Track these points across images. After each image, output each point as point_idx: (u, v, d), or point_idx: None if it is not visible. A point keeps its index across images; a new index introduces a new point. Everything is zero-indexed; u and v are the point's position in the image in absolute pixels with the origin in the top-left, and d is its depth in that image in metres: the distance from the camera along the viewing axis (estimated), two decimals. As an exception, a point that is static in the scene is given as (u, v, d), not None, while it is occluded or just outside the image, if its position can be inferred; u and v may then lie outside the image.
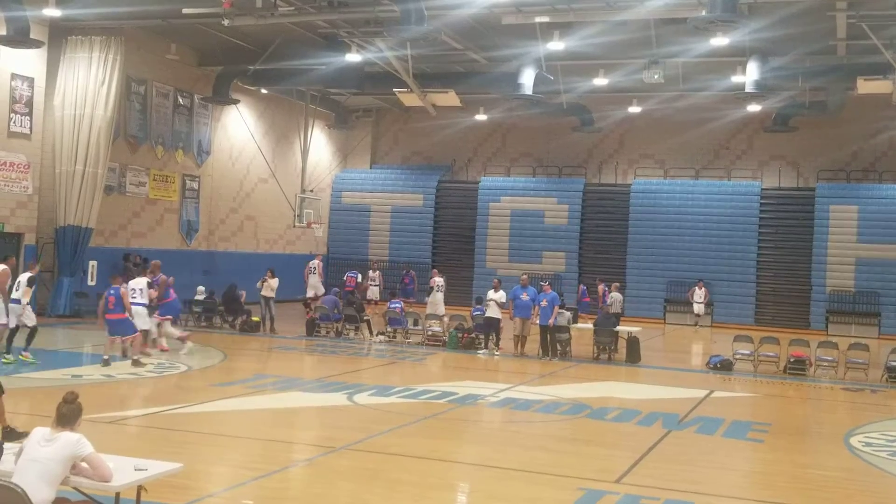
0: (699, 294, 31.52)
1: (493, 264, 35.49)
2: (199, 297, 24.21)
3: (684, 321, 32.81)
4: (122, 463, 6.38)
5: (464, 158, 38.54)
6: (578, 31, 23.60)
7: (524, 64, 26.66)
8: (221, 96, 29.64)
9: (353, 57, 26.06)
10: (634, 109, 32.92)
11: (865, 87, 25.58)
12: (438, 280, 25.99)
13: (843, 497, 9.52)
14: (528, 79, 26.64)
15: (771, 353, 20.11)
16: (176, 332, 18.70)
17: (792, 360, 19.50)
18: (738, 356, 20.16)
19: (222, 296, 24.32)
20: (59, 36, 24.20)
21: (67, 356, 17.50)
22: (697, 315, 31.69)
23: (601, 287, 27.28)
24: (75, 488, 6.20)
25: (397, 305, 23.40)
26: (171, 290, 18.85)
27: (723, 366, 19.72)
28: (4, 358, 15.38)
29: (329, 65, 27.00)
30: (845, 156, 33.52)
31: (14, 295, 15.65)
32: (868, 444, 12.35)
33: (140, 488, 6.39)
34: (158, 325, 18.25)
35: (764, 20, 21.93)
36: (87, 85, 24.11)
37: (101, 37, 24.28)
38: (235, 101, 30.56)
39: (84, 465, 6.03)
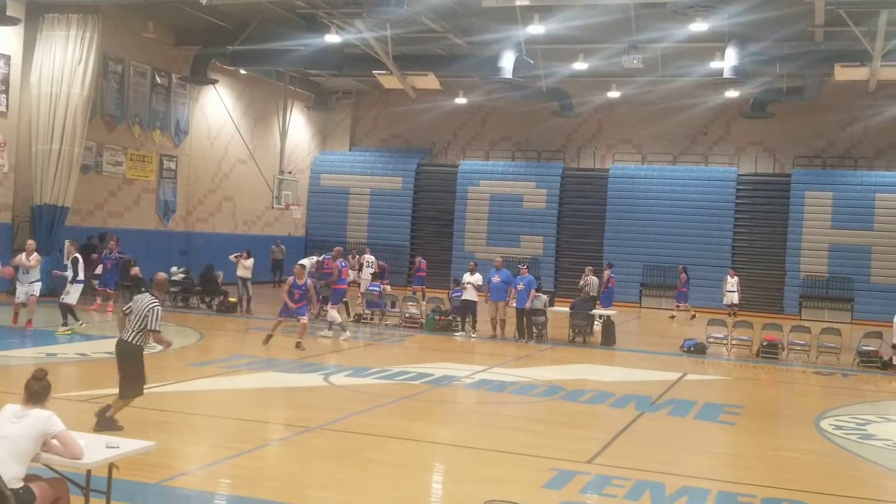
0: (731, 283, 29.10)
1: (472, 248, 35.56)
2: (176, 278, 24.09)
3: (660, 305, 33.04)
4: (93, 441, 6.39)
5: (443, 142, 38.51)
6: (558, 15, 23.62)
7: (504, 48, 26.66)
8: (199, 76, 29.46)
9: (332, 38, 25.94)
10: (613, 94, 32.99)
11: (843, 73, 25.76)
12: (369, 257, 27.09)
13: (814, 479, 9.64)
14: (507, 62, 26.65)
15: (744, 337, 20.32)
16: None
17: (765, 343, 19.71)
18: (711, 340, 20.36)
19: (199, 276, 24.24)
20: (36, 13, 23.92)
21: (43, 335, 17.39)
22: (730, 305, 29.02)
23: (607, 272, 26.85)
24: (46, 465, 6.20)
25: (375, 288, 23.41)
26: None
27: (696, 349, 19.90)
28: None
29: (308, 46, 26.83)
30: (821, 142, 33.78)
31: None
32: (838, 427, 12.52)
33: (111, 466, 6.40)
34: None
35: (742, 5, 22.00)
36: (63, 63, 23.85)
37: (77, 15, 24.01)
38: (213, 81, 30.37)
39: (55, 442, 6.03)
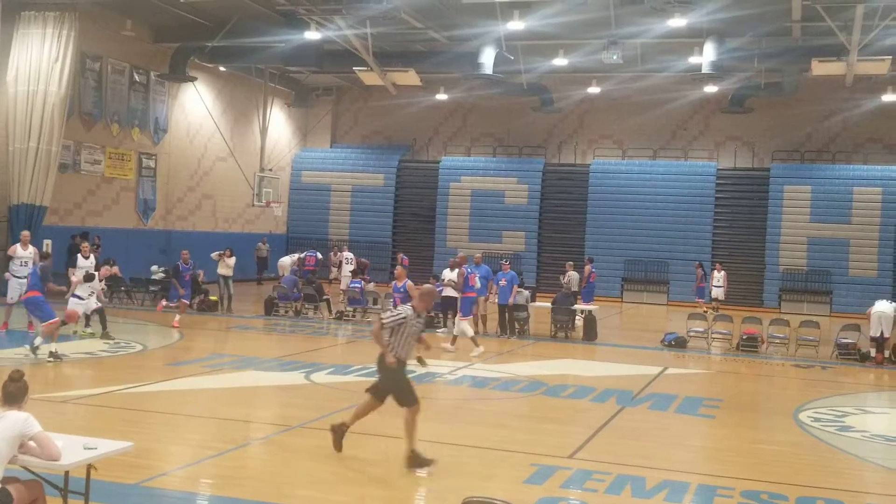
0: (718, 277, 28.61)
1: (454, 244, 35.55)
2: (156, 277, 23.99)
3: (641, 300, 33.18)
4: (71, 442, 6.35)
5: (424, 138, 38.49)
6: (538, 11, 23.65)
7: (484, 43, 26.67)
8: (178, 73, 29.30)
9: (312, 35, 25.85)
10: (594, 90, 33.08)
11: (820, 68, 25.91)
12: (348, 254, 27.49)
13: (792, 471, 9.71)
14: (488, 58, 26.67)
15: (724, 331, 20.45)
16: None
17: (744, 337, 19.84)
18: (691, 333, 20.46)
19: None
20: (12, 11, 23.67)
21: (21, 335, 17.26)
22: (714, 299, 28.65)
23: (588, 267, 26.79)
24: (23, 467, 6.16)
25: (357, 285, 23.38)
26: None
27: (677, 343, 20.01)
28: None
29: (288, 42, 26.78)
30: (799, 137, 34.01)
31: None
32: (817, 420, 12.62)
33: (90, 467, 6.37)
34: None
35: (720, 2, 22.12)
36: (40, 61, 23.66)
37: (54, 12, 23.82)
38: (192, 79, 30.22)
39: (32, 444, 5.99)
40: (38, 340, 14.65)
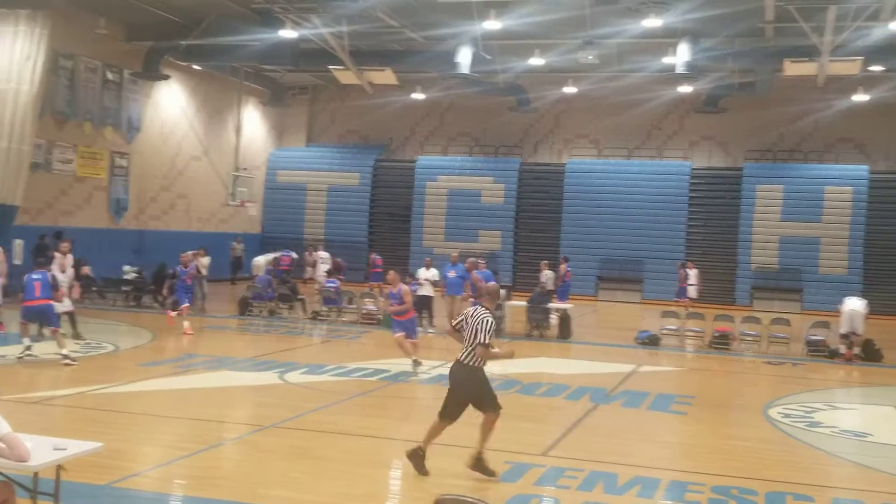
0: (691, 276, 28.41)
1: (430, 243, 35.56)
2: (128, 277, 23.85)
3: (615, 298, 33.36)
4: (40, 443, 6.31)
5: (401, 137, 38.47)
6: (514, 11, 23.70)
7: (461, 43, 26.70)
8: (152, 72, 29.11)
9: (287, 33, 25.74)
10: (570, 90, 33.18)
11: (792, 69, 26.14)
12: (323, 254, 27.75)
13: (762, 467, 9.82)
14: (464, 58, 26.69)
15: (697, 329, 20.61)
16: None
17: (716, 334, 20.02)
18: (665, 331, 20.60)
19: (152, 275, 24.00)
20: (-18, 9, 23.48)
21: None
22: (689, 299, 28.01)
23: (563, 266, 26.89)
24: (-8, 468, 6.12)
25: (332, 284, 23.35)
26: None
27: (650, 341, 20.15)
28: None
29: (263, 41, 26.64)
30: (772, 136, 34.31)
31: None
32: (787, 416, 12.76)
33: (59, 468, 6.33)
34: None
35: (694, 2, 22.26)
36: (11, 59, 23.38)
37: (26, 10, 23.53)
38: (166, 77, 30.04)
39: (1, 444, 5.94)
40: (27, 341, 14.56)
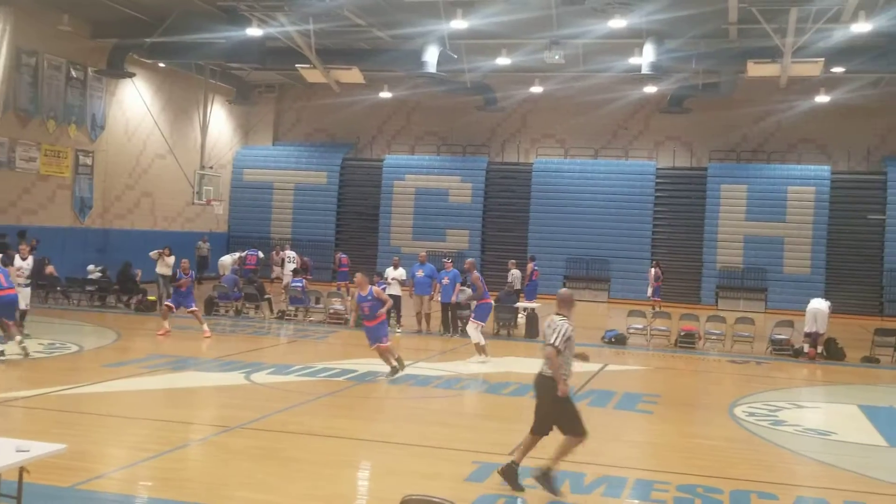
0: (654, 274, 29.04)
1: (398, 242, 35.56)
2: (93, 277, 23.58)
3: (582, 297, 33.50)
4: (2, 444, 6.23)
5: (368, 136, 38.40)
6: (481, 10, 23.75)
7: (428, 42, 26.70)
8: (116, 69, 28.82)
9: (253, 31, 25.60)
10: (536, 89, 33.32)
11: (755, 70, 26.43)
12: (290, 253, 27.63)
13: (727, 465, 9.92)
14: (431, 57, 26.70)
15: (663, 328, 20.77)
16: None
17: (682, 333, 20.18)
18: (631, 330, 20.75)
19: (117, 275, 23.76)
20: (-59, 4, 23.13)
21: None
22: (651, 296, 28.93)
23: (530, 265, 26.96)
24: (-47, 472, 6.03)
25: (298, 284, 23.25)
26: None
27: (617, 340, 20.28)
28: None
29: (229, 39, 26.47)
30: (736, 137, 34.68)
31: None
32: (751, 414, 12.90)
33: (22, 470, 6.25)
34: None
35: (659, 3, 22.45)
36: (-28, 55, 23.11)
37: (-13, 5, 23.30)
38: (131, 75, 29.75)
39: (-38, 447, 5.87)
40: None
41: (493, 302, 18.28)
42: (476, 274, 18.45)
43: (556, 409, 8.47)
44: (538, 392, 8.63)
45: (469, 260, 19.76)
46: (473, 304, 18.43)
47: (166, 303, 19.28)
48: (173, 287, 19.47)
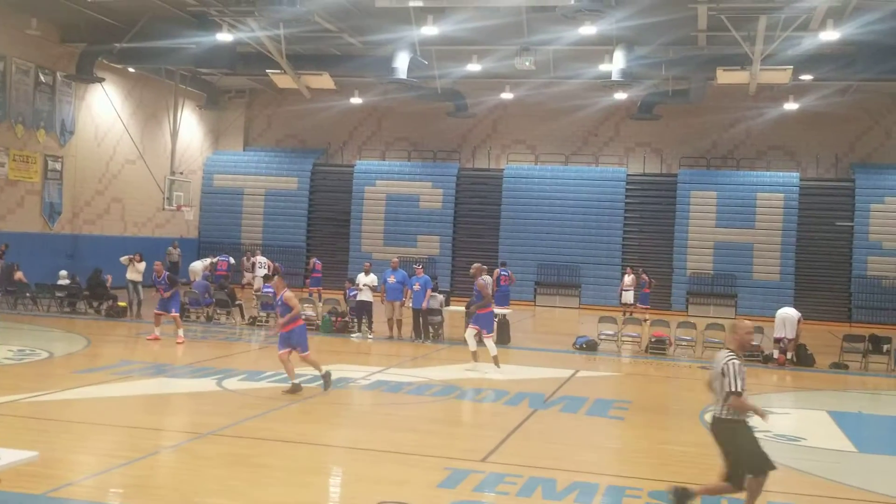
0: (628, 281, 29.00)
1: (369, 248, 35.53)
2: (62, 282, 23.35)
3: (553, 303, 33.67)
4: (-28, 454, 6.18)
5: (339, 142, 38.35)
6: (452, 17, 23.82)
7: (399, 48, 26.73)
8: (85, 74, 28.59)
9: (224, 36, 25.49)
10: (507, 96, 33.46)
11: (724, 77, 26.70)
12: (261, 259, 27.99)
13: (698, 471, 9.97)
14: (402, 63, 26.72)
15: (634, 334, 20.89)
16: None
17: (653, 339, 20.32)
18: (602, 337, 20.84)
19: (87, 281, 23.55)
20: None
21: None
22: (626, 304, 28.93)
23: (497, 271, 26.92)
24: (-78, 481, 5.97)
25: (270, 289, 23.13)
26: None
27: (588, 346, 20.37)
28: None
29: (199, 44, 26.36)
30: (706, 144, 35.00)
31: None
32: (720, 419, 12.97)
33: (-8, 479, 6.21)
34: None
35: (629, 10, 22.64)
36: (-63, 59, 22.83)
37: (-48, 8, 23.04)
38: (100, 80, 29.51)
39: (-69, 456, 5.80)
40: None
41: (492, 310, 17.37)
42: (482, 280, 17.17)
43: (745, 449, 7.86)
44: (716, 438, 8.01)
45: (476, 265, 18.26)
46: (473, 309, 17.07)
47: (156, 310, 19.05)
48: (160, 296, 19.04)
